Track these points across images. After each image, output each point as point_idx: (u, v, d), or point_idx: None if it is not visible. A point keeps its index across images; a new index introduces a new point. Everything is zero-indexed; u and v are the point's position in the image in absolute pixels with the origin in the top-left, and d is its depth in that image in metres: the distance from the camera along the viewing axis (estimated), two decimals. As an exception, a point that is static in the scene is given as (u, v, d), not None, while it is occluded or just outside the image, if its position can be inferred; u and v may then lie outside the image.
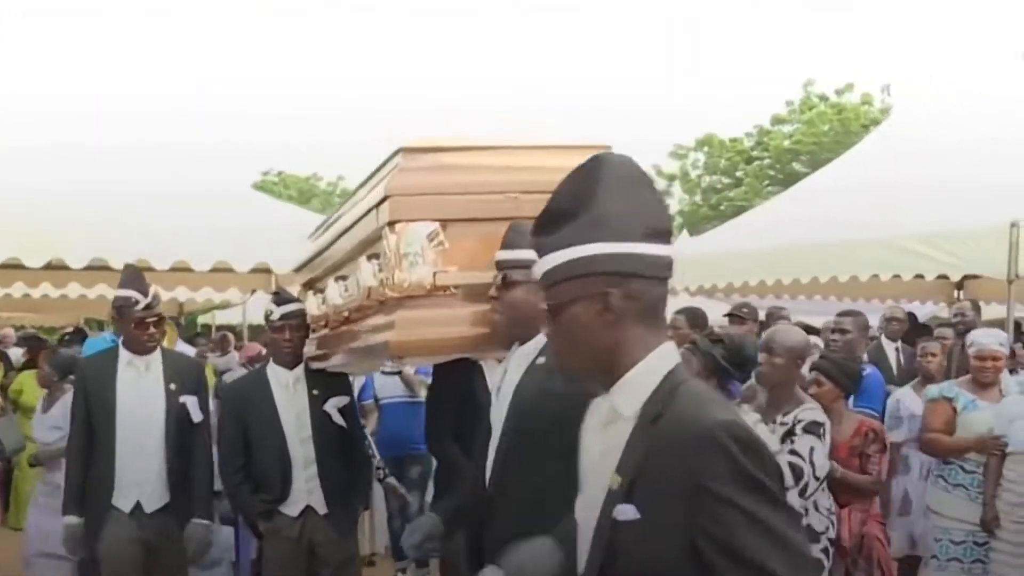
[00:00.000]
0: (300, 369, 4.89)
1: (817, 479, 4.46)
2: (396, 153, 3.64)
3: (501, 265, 3.24)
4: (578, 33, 65.23)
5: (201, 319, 21.01)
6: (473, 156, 3.62)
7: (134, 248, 7.66)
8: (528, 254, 3.00)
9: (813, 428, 4.48)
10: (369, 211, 3.65)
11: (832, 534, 4.68)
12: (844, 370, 4.99)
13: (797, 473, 4.37)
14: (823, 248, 8.52)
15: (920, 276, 8.49)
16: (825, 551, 4.60)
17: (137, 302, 4.90)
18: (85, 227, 7.86)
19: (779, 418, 4.57)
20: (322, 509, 4.83)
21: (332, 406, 4.86)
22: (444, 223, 3.43)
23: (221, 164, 10.47)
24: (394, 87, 67.66)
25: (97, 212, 8.04)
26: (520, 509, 2.97)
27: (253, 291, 12.09)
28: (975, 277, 9.11)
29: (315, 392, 4.85)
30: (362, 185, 4.13)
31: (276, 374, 4.92)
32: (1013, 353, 6.41)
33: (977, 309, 7.97)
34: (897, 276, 8.45)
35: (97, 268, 7.71)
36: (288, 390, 4.87)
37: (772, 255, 9.01)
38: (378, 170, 3.87)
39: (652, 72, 72.78)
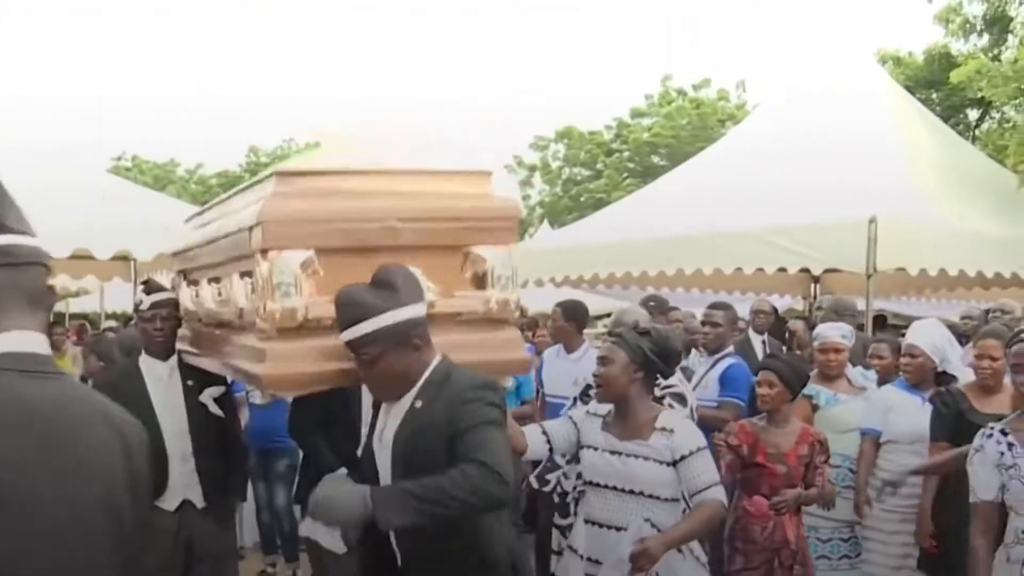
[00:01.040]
0: (174, 360, 4.73)
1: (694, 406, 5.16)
2: (270, 176, 3.48)
3: (350, 345, 3.17)
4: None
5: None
6: (351, 181, 3.45)
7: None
8: (369, 325, 3.09)
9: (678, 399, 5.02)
10: (242, 230, 3.44)
11: None
12: (797, 372, 4.99)
13: (680, 400, 4.96)
14: (689, 240, 8.68)
15: (783, 269, 8.71)
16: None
17: None
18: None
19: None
20: (200, 503, 4.71)
21: (208, 396, 4.72)
22: (320, 251, 3.28)
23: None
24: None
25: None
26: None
27: (110, 278, 11.78)
28: (835, 271, 9.39)
29: (190, 383, 4.70)
30: (239, 192, 3.90)
31: (149, 366, 4.75)
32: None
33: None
34: (761, 269, 8.65)
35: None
36: (162, 382, 4.71)
37: (639, 247, 9.13)
38: (255, 183, 3.69)
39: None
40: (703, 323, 6.68)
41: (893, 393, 5.52)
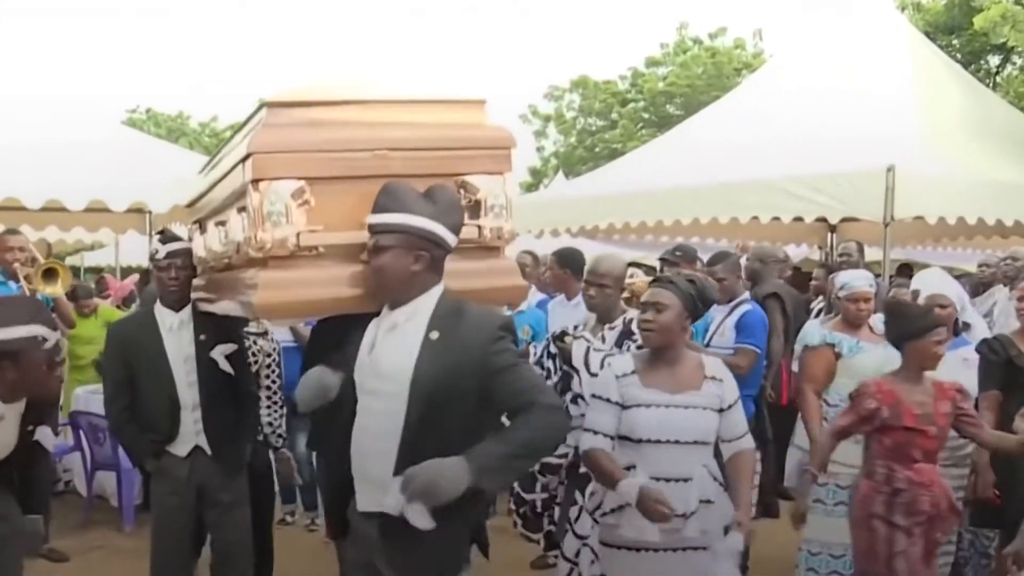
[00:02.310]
0: (187, 312, 4.77)
1: None
2: (260, 107, 3.51)
3: (371, 229, 3.21)
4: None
5: (69, 261, 20.40)
6: (341, 111, 3.47)
7: (4, 186, 7.36)
8: (396, 218, 3.12)
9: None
10: (237, 165, 3.52)
11: None
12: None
13: None
14: (705, 190, 8.63)
15: (799, 219, 8.65)
16: None
17: None
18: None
19: (606, 327, 5.04)
20: (209, 450, 4.78)
21: (219, 353, 4.76)
22: (310, 181, 3.31)
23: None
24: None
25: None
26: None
27: (125, 231, 11.79)
28: (852, 220, 9.33)
29: (202, 337, 4.74)
30: (236, 131, 3.97)
31: (163, 316, 4.80)
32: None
33: (861, 251, 8.15)
34: (777, 218, 8.60)
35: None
36: (174, 332, 4.76)
37: (654, 196, 9.08)
38: (248, 120, 3.72)
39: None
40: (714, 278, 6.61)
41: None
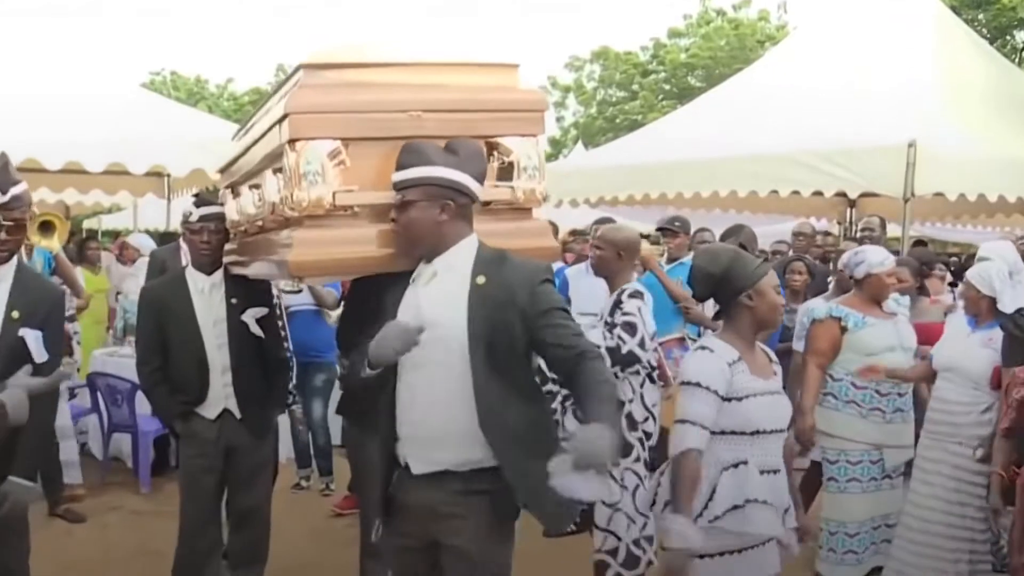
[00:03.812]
0: (219, 275, 4.79)
1: (648, 335, 5.04)
2: (298, 69, 3.56)
3: (396, 186, 3.24)
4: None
5: (86, 224, 20.48)
6: (376, 73, 3.52)
7: (23, 147, 7.36)
8: (418, 171, 3.16)
9: (637, 294, 5.11)
10: (273, 125, 3.58)
11: (650, 427, 5.13)
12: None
13: (631, 329, 4.98)
14: (725, 162, 8.58)
15: (819, 193, 8.61)
16: (640, 440, 5.09)
17: None
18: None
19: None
20: (238, 413, 4.81)
21: (250, 316, 4.78)
22: (346, 141, 3.37)
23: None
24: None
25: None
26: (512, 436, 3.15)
27: (144, 194, 11.83)
28: (872, 195, 9.27)
29: (233, 300, 4.76)
30: (275, 92, 4.03)
31: (195, 279, 4.82)
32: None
33: (883, 226, 8.11)
34: (796, 192, 8.56)
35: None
36: (205, 295, 4.78)
37: (674, 168, 9.04)
38: (287, 79, 3.78)
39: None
40: None
41: (958, 322, 5.48)
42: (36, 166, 7.93)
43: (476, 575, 3.21)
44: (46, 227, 6.52)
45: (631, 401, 5.09)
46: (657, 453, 5.10)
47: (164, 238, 10.04)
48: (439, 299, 3.20)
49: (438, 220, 3.20)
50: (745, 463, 3.54)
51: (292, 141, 3.35)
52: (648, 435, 5.15)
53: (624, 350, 4.94)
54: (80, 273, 8.30)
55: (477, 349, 3.12)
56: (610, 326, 5.06)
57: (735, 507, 3.51)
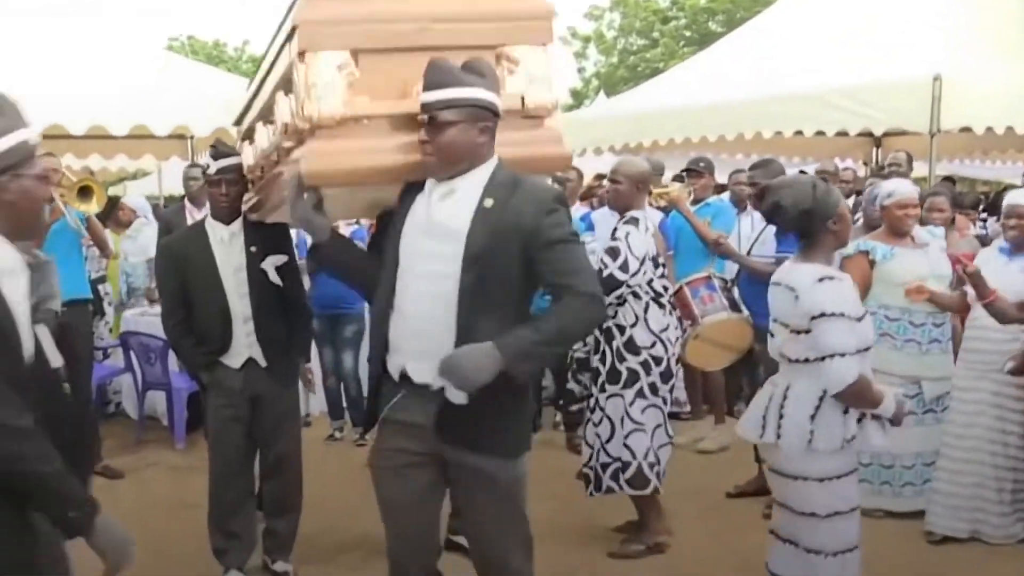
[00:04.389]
0: (238, 224, 4.84)
1: (636, 258, 5.12)
2: None
3: (429, 106, 3.21)
4: None
5: (111, 191, 20.52)
6: None
7: (47, 113, 7.39)
8: (456, 92, 3.15)
9: (631, 220, 5.23)
10: (283, 45, 3.59)
11: (659, 351, 5.25)
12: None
13: (614, 253, 5.11)
14: (748, 104, 8.53)
15: (843, 133, 8.56)
16: (644, 364, 5.22)
17: None
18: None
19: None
20: (263, 362, 4.88)
21: (270, 264, 4.83)
22: (355, 53, 3.37)
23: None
24: None
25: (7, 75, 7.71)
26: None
27: (168, 158, 11.86)
28: (898, 134, 9.20)
29: (253, 249, 4.81)
30: (284, 20, 3.90)
31: (214, 229, 4.88)
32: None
33: (910, 161, 8.06)
34: (821, 132, 8.52)
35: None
36: (225, 245, 4.84)
37: (697, 112, 9.01)
38: (295, 3, 3.73)
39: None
40: (748, 184, 6.64)
41: (988, 253, 5.46)
42: (61, 132, 7.99)
43: (496, 487, 3.30)
44: (85, 192, 6.63)
45: (633, 326, 5.21)
46: (665, 381, 5.34)
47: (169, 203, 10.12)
48: (451, 214, 3.23)
49: (477, 141, 3.22)
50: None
51: (302, 53, 3.36)
52: (656, 359, 5.26)
53: (604, 274, 5.03)
54: (110, 236, 8.38)
55: (469, 271, 3.16)
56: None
57: (852, 438, 3.71)
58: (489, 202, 3.22)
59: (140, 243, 9.10)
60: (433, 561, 3.56)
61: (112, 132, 8.18)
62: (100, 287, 8.22)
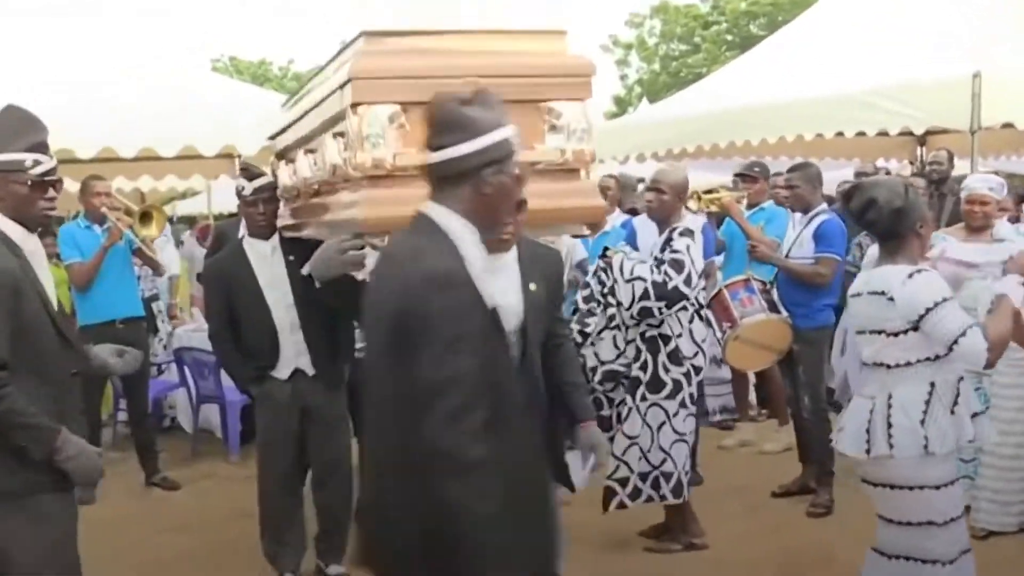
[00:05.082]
0: (275, 239, 5.02)
1: (697, 273, 5.23)
2: (359, 37, 3.76)
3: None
4: None
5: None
6: (433, 40, 3.75)
7: (98, 135, 7.56)
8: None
9: (687, 232, 5.31)
10: (335, 91, 3.77)
11: (699, 361, 5.34)
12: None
13: (678, 266, 5.15)
14: (789, 107, 8.52)
15: (884, 133, 8.55)
16: (686, 375, 5.30)
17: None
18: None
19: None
20: (311, 371, 5.01)
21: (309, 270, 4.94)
22: (405, 106, 3.55)
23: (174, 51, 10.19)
24: None
25: (55, 99, 7.90)
26: None
27: (216, 176, 12.03)
28: (939, 132, 9.16)
29: (291, 258, 4.96)
30: (330, 62, 4.23)
31: (253, 246, 5.05)
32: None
33: (951, 159, 8.04)
34: (862, 133, 8.51)
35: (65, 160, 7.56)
36: (266, 260, 5.00)
37: (738, 116, 9.00)
38: (343, 50, 3.98)
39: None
40: (785, 187, 6.68)
41: None
42: (112, 155, 8.16)
43: None
44: (145, 218, 6.92)
45: (679, 336, 5.27)
46: (700, 391, 5.47)
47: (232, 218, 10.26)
48: (501, 290, 3.14)
49: None
50: (962, 378, 3.76)
51: (355, 105, 3.54)
52: (697, 369, 5.34)
53: (670, 286, 5.10)
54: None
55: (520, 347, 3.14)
56: (659, 262, 5.23)
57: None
58: (533, 287, 3.39)
59: (165, 259, 9.26)
60: None
61: (162, 154, 8.34)
62: (153, 305, 8.40)
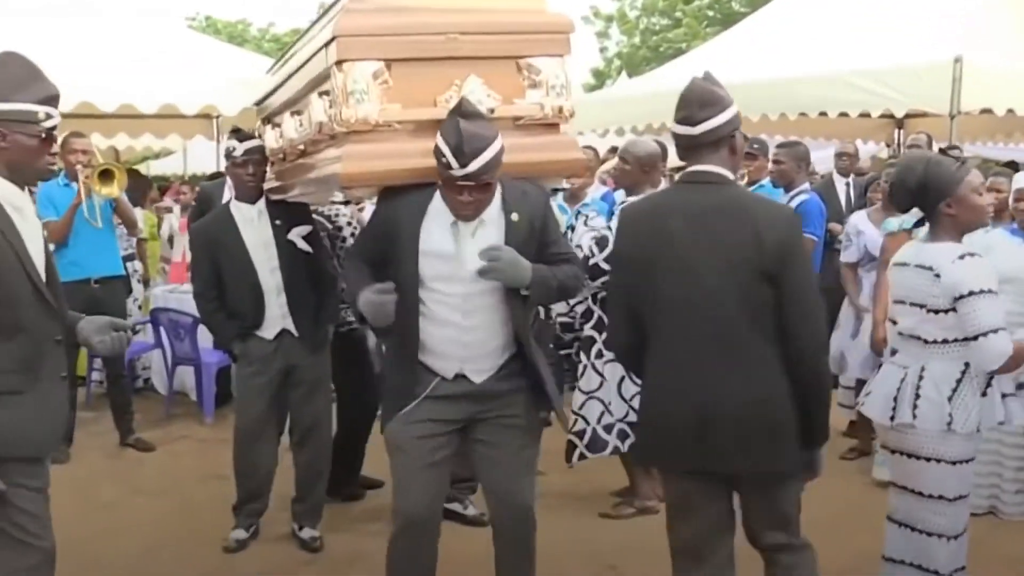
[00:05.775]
0: (262, 203, 5.08)
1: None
2: None
3: (475, 176, 3.45)
4: None
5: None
6: None
7: (78, 91, 7.49)
8: (490, 154, 3.46)
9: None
10: (319, 50, 3.82)
11: None
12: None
13: (603, 243, 5.20)
14: (771, 85, 8.54)
15: (866, 114, 8.59)
16: None
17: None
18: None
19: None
20: (296, 332, 5.10)
21: (296, 235, 5.07)
22: (388, 62, 3.65)
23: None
24: None
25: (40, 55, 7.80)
26: None
27: (192, 137, 11.96)
28: (919, 116, 9.20)
29: (278, 223, 5.05)
30: (314, 23, 4.27)
31: (240, 210, 5.10)
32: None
33: (930, 143, 8.08)
34: (844, 114, 8.54)
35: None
36: (253, 224, 5.06)
37: (720, 93, 9.01)
38: (328, 10, 4.05)
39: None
40: (772, 161, 6.73)
41: (996, 236, 5.44)
42: (91, 110, 8.10)
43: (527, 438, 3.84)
44: (106, 175, 6.72)
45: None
46: None
47: (213, 178, 10.20)
48: (486, 241, 3.59)
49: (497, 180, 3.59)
50: None
51: (340, 62, 3.63)
52: None
53: (590, 263, 5.20)
54: (142, 215, 8.52)
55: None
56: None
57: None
58: (514, 216, 3.63)
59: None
60: (439, 521, 3.89)
61: (141, 111, 8.28)
62: (128, 264, 8.35)
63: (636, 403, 5.24)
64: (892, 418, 3.74)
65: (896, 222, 5.70)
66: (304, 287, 5.09)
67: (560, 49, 3.86)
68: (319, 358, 5.22)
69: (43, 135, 3.15)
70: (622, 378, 5.37)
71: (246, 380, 5.18)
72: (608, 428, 5.44)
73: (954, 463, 3.66)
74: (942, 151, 7.33)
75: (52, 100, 3.17)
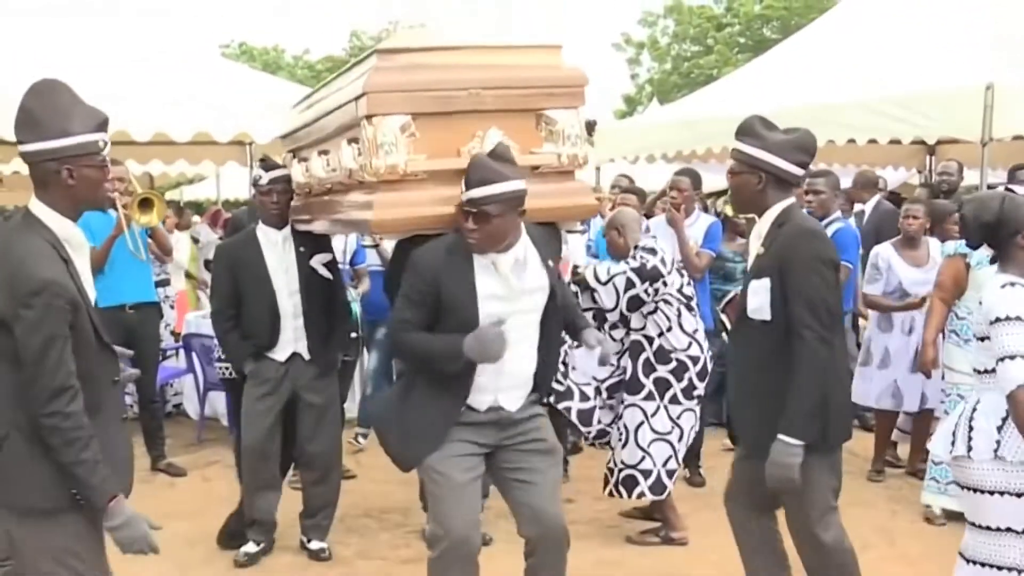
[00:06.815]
0: (287, 229, 5.29)
1: (671, 256, 5.57)
2: (372, 54, 4.08)
3: (477, 202, 3.67)
4: None
5: (169, 195, 20.85)
6: (440, 56, 4.05)
7: (114, 119, 7.53)
8: (502, 188, 3.66)
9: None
10: (349, 102, 4.07)
11: (695, 352, 5.52)
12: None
13: (651, 251, 5.41)
14: (801, 112, 8.49)
15: (896, 141, 8.57)
16: (675, 370, 5.48)
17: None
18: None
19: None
20: (307, 355, 5.31)
21: (318, 262, 5.30)
22: (415, 116, 3.90)
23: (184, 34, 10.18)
24: None
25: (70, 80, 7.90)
26: None
27: (225, 163, 12.05)
28: (950, 142, 9.16)
29: (301, 249, 5.28)
30: (342, 74, 4.56)
31: (265, 234, 5.32)
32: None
33: (961, 170, 8.06)
34: (873, 140, 8.52)
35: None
36: (277, 248, 5.29)
37: (749, 120, 9.01)
38: (357, 64, 4.32)
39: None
40: (806, 192, 6.70)
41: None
42: (126, 139, 8.19)
43: (553, 459, 4.09)
44: (146, 204, 6.82)
45: (661, 335, 5.46)
46: (701, 379, 5.56)
47: (247, 205, 10.31)
48: (533, 277, 3.90)
49: (516, 222, 3.81)
50: None
51: (369, 116, 3.86)
52: (694, 359, 5.49)
53: (649, 265, 5.35)
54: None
55: (545, 316, 3.98)
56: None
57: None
58: (552, 263, 3.96)
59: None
60: (480, 539, 4.06)
61: (175, 138, 8.37)
62: (160, 290, 8.43)
63: (654, 449, 5.47)
64: (951, 452, 3.76)
65: (953, 245, 5.78)
66: (319, 312, 5.28)
67: (575, 101, 4.12)
68: (328, 381, 5.40)
69: (103, 164, 3.06)
70: (640, 424, 5.44)
71: (255, 399, 5.31)
72: (671, 474, 5.50)
73: (1020, 495, 3.62)
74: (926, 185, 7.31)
75: (104, 125, 3.08)
